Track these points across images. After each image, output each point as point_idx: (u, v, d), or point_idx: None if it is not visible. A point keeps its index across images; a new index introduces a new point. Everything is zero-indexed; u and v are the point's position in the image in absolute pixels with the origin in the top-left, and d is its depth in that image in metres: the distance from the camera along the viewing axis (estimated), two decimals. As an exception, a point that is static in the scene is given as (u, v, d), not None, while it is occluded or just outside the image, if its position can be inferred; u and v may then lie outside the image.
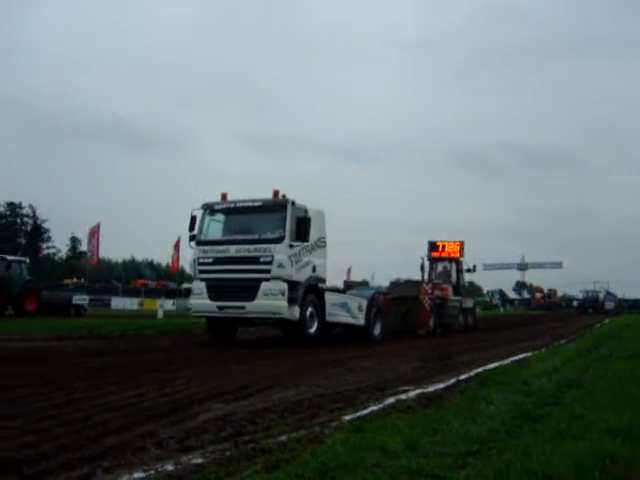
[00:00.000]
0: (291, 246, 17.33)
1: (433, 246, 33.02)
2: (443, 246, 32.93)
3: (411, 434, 6.11)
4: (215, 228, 18.66)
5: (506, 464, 5.10)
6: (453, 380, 10.72)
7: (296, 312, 17.18)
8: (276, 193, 17.94)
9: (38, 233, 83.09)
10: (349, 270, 47.90)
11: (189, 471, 5.09)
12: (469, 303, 33.06)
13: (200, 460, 5.44)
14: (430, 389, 9.76)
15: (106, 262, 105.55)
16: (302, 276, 17.79)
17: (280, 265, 16.98)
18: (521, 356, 15.25)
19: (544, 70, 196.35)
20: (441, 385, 10.19)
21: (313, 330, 18.08)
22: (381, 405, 8.29)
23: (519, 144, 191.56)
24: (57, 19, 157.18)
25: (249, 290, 17.00)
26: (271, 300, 16.90)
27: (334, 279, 30.83)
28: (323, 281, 19.07)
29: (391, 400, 8.67)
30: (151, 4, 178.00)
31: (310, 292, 18.08)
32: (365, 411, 7.83)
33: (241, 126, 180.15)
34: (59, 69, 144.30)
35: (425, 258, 32.29)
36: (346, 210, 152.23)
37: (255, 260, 17.21)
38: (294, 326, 17.58)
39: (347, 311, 19.84)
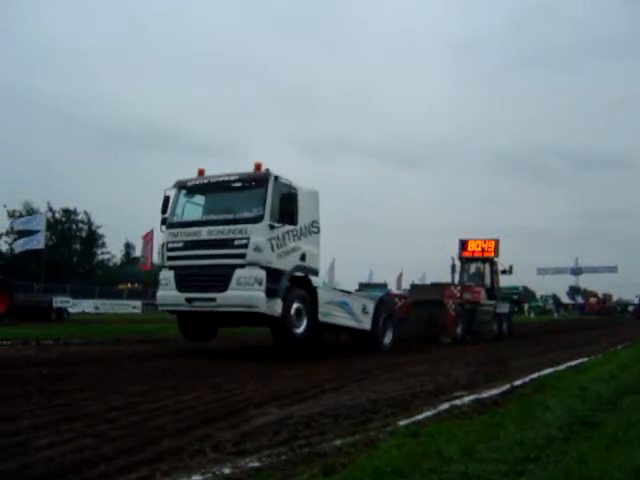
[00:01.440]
0: (272, 227, 14.67)
1: (464, 245, 29.80)
2: (476, 245, 29.69)
3: (467, 440, 6.09)
4: (191, 210, 16.19)
5: (564, 471, 5.07)
6: (508, 386, 10.61)
7: (277, 307, 14.44)
8: (258, 166, 15.30)
9: (93, 239, 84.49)
10: (400, 275, 47.61)
11: (246, 475, 5.14)
12: (504, 308, 29.44)
13: (257, 464, 5.48)
14: (485, 395, 9.68)
15: (159, 267, 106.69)
16: (286, 264, 15.02)
17: (257, 248, 14.33)
18: (577, 362, 15.03)
19: (589, 71, 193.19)
20: (496, 391, 10.11)
21: (301, 330, 15.24)
22: (435, 410, 8.26)
23: (567, 146, 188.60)
24: (113, 28, 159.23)
25: (221, 279, 14.47)
26: (245, 290, 14.27)
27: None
28: (315, 272, 16.20)
29: (445, 406, 8.64)
30: (201, 12, 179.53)
31: (298, 285, 15.35)
32: (420, 416, 7.81)
33: (288, 130, 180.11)
34: (111, 76, 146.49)
35: (456, 258, 29.38)
36: (393, 213, 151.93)
37: (229, 243, 14.65)
38: (277, 324, 14.92)
39: (347, 312, 17.08)
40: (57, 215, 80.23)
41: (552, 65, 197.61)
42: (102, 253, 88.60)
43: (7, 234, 72.67)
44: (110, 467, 5.31)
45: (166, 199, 16.02)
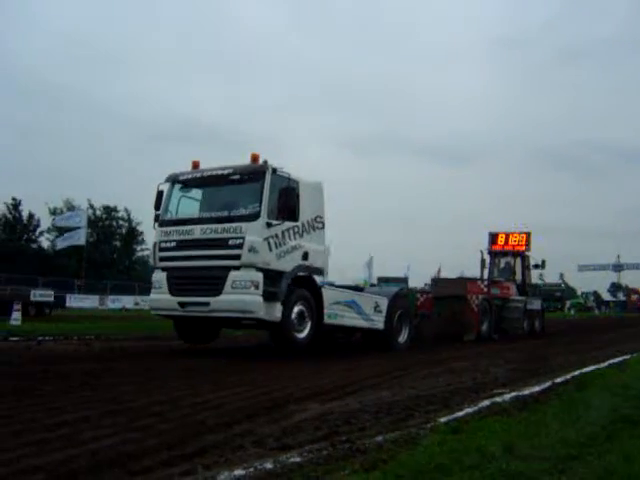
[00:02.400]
0: (269, 225, 13.63)
1: (494, 238, 28.64)
2: (506, 238, 28.49)
3: (508, 437, 6.06)
4: (187, 205, 15.15)
5: (607, 469, 5.02)
6: (549, 383, 10.50)
7: (276, 311, 13.49)
8: (255, 158, 14.15)
9: (133, 236, 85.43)
10: (439, 270, 47.22)
11: (288, 469, 5.15)
12: (536, 304, 28.21)
13: (298, 459, 5.50)
14: (525, 392, 9.59)
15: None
16: (287, 264, 14.02)
17: (252, 249, 13.30)
18: (619, 359, 14.84)
19: (633, 65, 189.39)
20: (537, 388, 10.00)
21: (303, 335, 14.28)
22: (476, 407, 8.21)
23: (609, 141, 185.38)
24: (153, 25, 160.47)
25: (215, 282, 13.47)
26: (241, 295, 13.26)
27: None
28: (320, 272, 15.02)
29: (486, 402, 8.58)
30: (243, 9, 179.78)
31: (300, 285, 14.34)
32: (460, 413, 7.77)
33: (335, 128, 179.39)
34: (151, 74, 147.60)
35: (485, 252, 28.21)
36: (438, 210, 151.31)
37: (223, 243, 13.60)
38: (276, 329, 14.01)
39: (357, 312, 16.01)
40: (98, 212, 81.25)
41: (595, 60, 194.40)
42: (142, 250, 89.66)
43: (49, 231, 73.90)
44: (154, 461, 5.37)
45: (159, 194, 15.10)
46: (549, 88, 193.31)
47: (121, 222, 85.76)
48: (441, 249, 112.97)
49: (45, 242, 75.89)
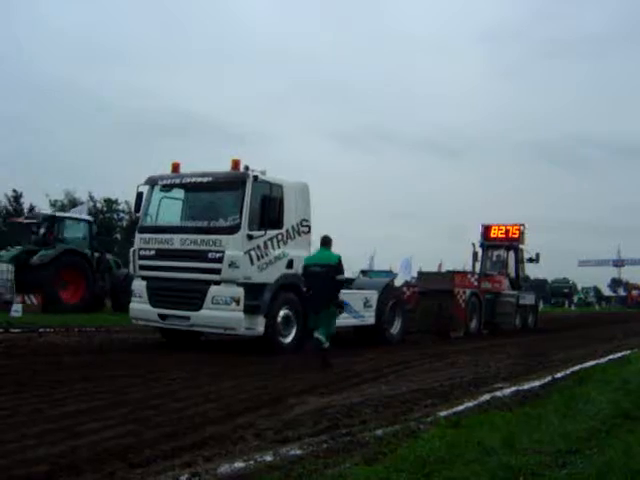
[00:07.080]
0: (251, 237, 12.90)
1: (487, 230, 27.25)
2: (499, 231, 27.18)
3: (508, 431, 6.08)
4: (168, 208, 14.49)
5: (607, 464, 5.03)
6: (549, 378, 10.54)
7: (258, 325, 12.84)
8: (236, 164, 13.31)
9: (134, 228, 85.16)
10: (440, 265, 47.13)
11: (288, 462, 5.17)
12: (529, 299, 27.11)
13: (298, 452, 5.52)
14: (526, 386, 9.64)
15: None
16: (269, 276, 13.31)
17: (233, 264, 12.68)
18: (619, 354, 14.86)
19: (620, 57, 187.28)
20: (537, 383, 10.05)
21: (289, 340, 13.58)
22: (476, 402, 8.25)
23: (607, 137, 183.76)
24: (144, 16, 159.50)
25: (195, 296, 12.90)
26: (221, 311, 12.75)
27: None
28: None
29: (486, 397, 8.63)
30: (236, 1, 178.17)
31: (287, 289, 13.65)
32: (460, 407, 7.81)
33: (324, 121, 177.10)
34: (147, 67, 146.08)
35: (477, 245, 26.87)
36: (432, 204, 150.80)
37: (202, 256, 12.94)
38: (260, 337, 13.22)
39: (347, 311, 14.86)
40: (98, 205, 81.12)
41: (582, 52, 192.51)
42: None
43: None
44: (154, 452, 5.40)
45: (139, 196, 14.46)
46: (543, 81, 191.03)
47: (122, 214, 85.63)
48: (446, 245, 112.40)
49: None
